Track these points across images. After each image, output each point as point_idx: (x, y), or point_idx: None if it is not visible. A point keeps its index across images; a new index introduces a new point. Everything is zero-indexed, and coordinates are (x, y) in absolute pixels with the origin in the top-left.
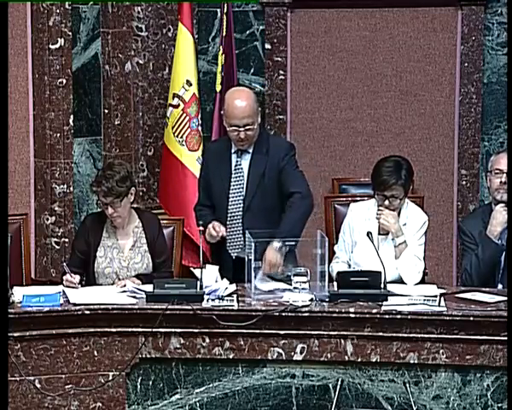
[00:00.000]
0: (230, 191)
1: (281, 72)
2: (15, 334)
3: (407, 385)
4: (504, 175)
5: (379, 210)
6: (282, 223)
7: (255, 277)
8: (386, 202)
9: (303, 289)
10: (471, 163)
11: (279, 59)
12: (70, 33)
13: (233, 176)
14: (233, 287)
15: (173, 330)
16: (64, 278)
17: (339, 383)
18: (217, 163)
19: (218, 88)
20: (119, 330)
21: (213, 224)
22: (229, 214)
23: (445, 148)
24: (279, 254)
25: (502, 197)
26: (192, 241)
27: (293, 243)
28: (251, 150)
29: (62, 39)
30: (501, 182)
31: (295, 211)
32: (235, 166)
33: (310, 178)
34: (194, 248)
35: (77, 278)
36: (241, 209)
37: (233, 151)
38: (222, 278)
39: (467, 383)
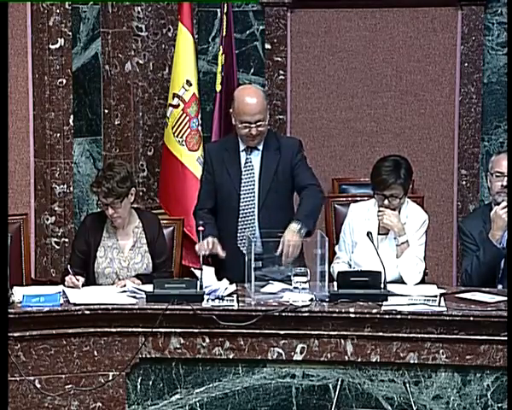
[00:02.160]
0: (242, 189)
1: (281, 72)
2: (15, 334)
3: (407, 385)
4: (505, 179)
5: (380, 211)
6: (300, 206)
7: (255, 276)
8: (386, 202)
9: (303, 289)
10: (471, 163)
11: (279, 59)
12: (70, 33)
13: (243, 173)
14: (233, 287)
15: (173, 330)
16: (66, 278)
17: (339, 383)
18: (224, 163)
19: (218, 88)
20: (119, 330)
21: (207, 240)
22: (241, 212)
23: (445, 148)
24: (298, 235)
25: (503, 200)
26: (192, 241)
27: (312, 226)
28: (260, 147)
29: (62, 39)
30: (502, 185)
31: (313, 197)
32: (245, 163)
33: None
34: (194, 248)
35: (81, 280)
36: (253, 206)
37: (241, 149)
38: (224, 277)
39: (467, 383)
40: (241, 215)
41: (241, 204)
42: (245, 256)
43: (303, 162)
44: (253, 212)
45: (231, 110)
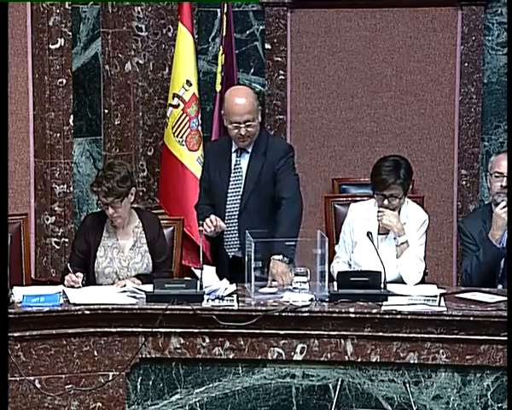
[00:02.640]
0: (229, 190)
1: (281, 72)
2: (15, 334)
3: (407, 385)
4: (505, 179)
5: (379, 211)
6: (277, 230)
7: (256, 278)
8: (386, 202)
9: (303, 289)
10: (471, 163)
11: (279, 59)
12: (70, 33)
13: (232, 175)
14: (233, 287)
15: (173, 330)
16: (66, 277)
17: (339, 383)
18: (217, 162)
19: (218, 88)
20: (119, 330)
21: (210, 217)
22: (226, 213)
23: (445, 148)
24: (284, 264)
25: (502, 200)
26: (192, 241)
27: (292, 252)
28: (250, 150)
29: (62, 39)
30: (501, 186)
31: (284, 222)
32: (235, 165)
33: (310, 178)
34: (194, 248)
35: (80, 275)
36: (237, 208)
37: (233, 150)
38: (219, 278)
39: (467, 383)
40: (226, 217)
41: (227, 206)
42: (231, 259)
43: (286, 168)
44: (237, 215)
45: (222, 111)
